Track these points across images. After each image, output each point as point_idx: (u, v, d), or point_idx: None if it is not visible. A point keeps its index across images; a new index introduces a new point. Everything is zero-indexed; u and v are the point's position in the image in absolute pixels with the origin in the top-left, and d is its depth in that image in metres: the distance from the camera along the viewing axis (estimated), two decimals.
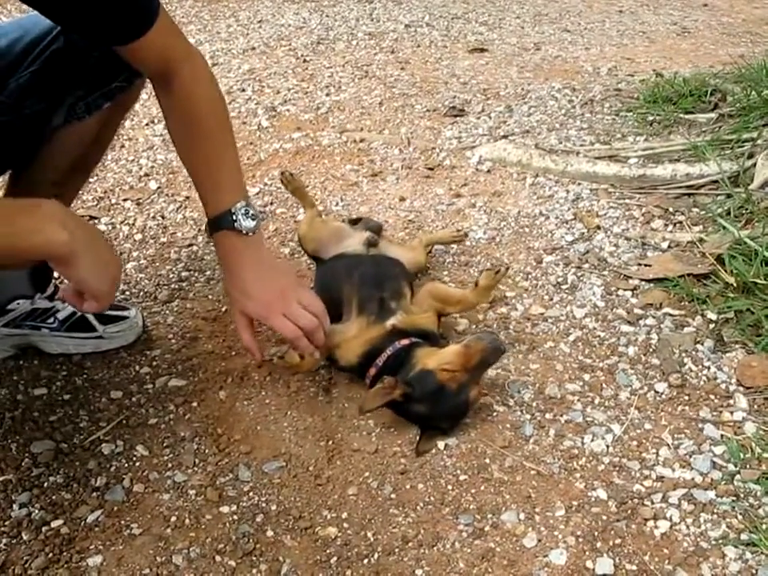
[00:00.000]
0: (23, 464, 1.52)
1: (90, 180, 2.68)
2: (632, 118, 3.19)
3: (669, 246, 2.25)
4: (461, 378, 1.54)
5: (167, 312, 2.01)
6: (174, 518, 1.41)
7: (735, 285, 1.95)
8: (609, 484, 1.48)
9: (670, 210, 2.46)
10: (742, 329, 1.85)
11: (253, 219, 1.53)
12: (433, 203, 2.59)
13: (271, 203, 2.59)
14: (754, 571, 1.30)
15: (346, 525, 1.41)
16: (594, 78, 3.81)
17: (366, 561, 1.34)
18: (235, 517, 1.42)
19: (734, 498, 1.43)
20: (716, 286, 2.01)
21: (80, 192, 1.97)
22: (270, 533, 1.39)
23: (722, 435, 1.58)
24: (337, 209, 2.55)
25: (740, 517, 1.40)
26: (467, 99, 3.54)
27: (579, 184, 2.66)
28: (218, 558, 1.34)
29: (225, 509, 1.44)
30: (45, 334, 1.82)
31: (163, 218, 2.49)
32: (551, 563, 1.32)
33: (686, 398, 1.69)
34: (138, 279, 2.15)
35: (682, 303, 2.00)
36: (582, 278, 2.13)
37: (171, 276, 2.16)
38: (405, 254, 1.98)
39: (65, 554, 1.34)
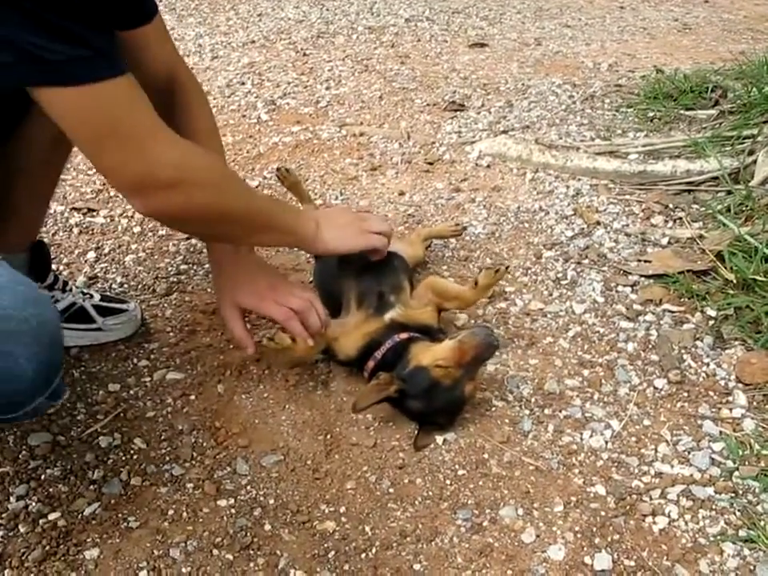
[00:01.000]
0: (20, 456, 1.52)
1: (90, 173, 2.69)
2: (632, 114, 3.18)
3: (669, 243, 2.24)
4: (455, 374, 1.53)
5: (165, 305, 2.01)
6: (171, 512, 1.41)
7: (735, 281, 1.95)
8: (607, 480, 1.48)
9: (670, 206, 2.46)
10: (742, 326, 1.85)
11: None
12: (432, 198, 2.58)
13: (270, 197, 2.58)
14: (751, 567, 1.30)
15: (344, 519, 1.40)
16: (594, 74, 3.80)
17: (363, 555, 1.34)
18: (233, 510, 1.42)
19: (733, 495, 1.43)
20: (716, 282, 2.00)
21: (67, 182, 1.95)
22: (267, 526, 1.39)
23: (720, 432, 1.58)
24: (336, 203, 2.55)
25: (738, 513, 1.40)
26: (467, 94, 3.53)
27: (579, 179, 2.66)
28: (215, 552, 1.34)
29: (222, 502, 1.44)
30: None
31: None
32: (549, 558, 1.32)
33: (685, 394, 1.69)
34: (137, 272, 2.15)
35: (682, 300, 1.99)
36: (581, 274, 2.12)
37: (170, 269, 2.16)
38: (403, 248, 1.97)
39: (62, 546, 1.34)
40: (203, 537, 1.36)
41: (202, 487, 1.47)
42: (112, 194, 2.58)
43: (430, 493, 1.46)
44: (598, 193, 2.57)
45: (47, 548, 1.33)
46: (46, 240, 2.24)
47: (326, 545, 1.35)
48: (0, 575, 1.29)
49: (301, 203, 2.21)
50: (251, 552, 1.34)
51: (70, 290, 1.84)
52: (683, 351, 1.81)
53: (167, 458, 1.53)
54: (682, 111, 3.09)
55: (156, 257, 2.22)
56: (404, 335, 1.64)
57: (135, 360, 1.81)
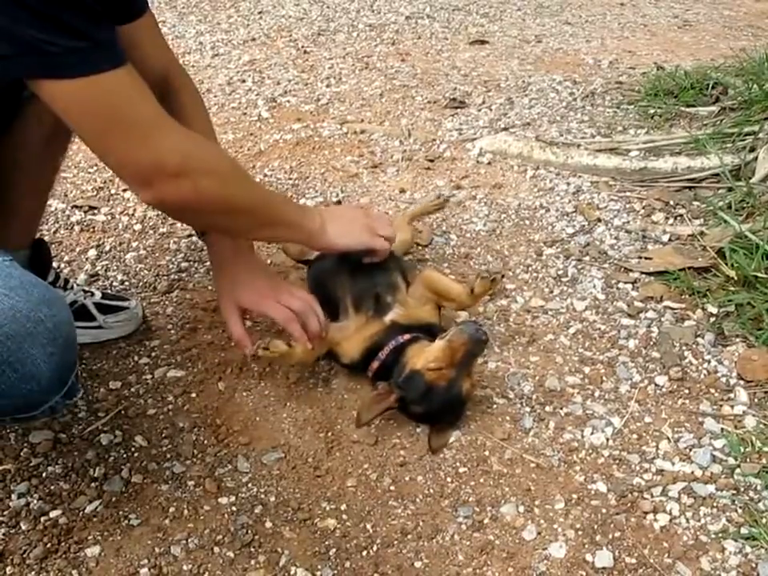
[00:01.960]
0: (22, 454, 1.52)
1: (90, 170, 2.69)
2: (633, 110, 3.18)
3: (669, 239, 2.24)
4: (448, 375, 1.53)
5: (166, 302, 2.01)
6: (172, 509, 1.41)
7: (736, 278, 1.95)
8: (608, 477, 1.48)
9: (671, 203, 2.45)
10: (743, 322, 1.84)
11: None
12: (433, 195, 2.57)
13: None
14: (753, 565, 1.30)
15: (345, 516, 1.41)
16: (595, 71, 3.80)
17: (364, 553, 1.34)
18: (234, 508, 1.42)
19: (734, 492, 1.43)
20: (717, 279, 2.00)
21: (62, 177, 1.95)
22: (268, 524, 1.39)
23: (722, 429, 1.58)
24: (337, 200, 2.54)
25: (740, 510, 1.40)
26: (468, 91, 3.52)
27: (580, 177, 2.65)
28: (216, 549, 1.34)
29: (223, 500, 1.44)
30: None
31: None
32: (550, 556, 1.33)
33: (687, 391, 1.69)
34: (138, 270, 2.15)
35: (683, 296, 1.99)
36: (582, 271, 2.12)
37: (171, 267, 2.16)
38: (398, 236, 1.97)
39: (63, 544, 1.34)
40: (204, 534, 1.37)
41: (203, 485, 1.47)
42: (113, 191, 2.58)
43: (431, 490, 1.46)
44: (598, 190, 2.57)
45: (48, 545, 1.34)
46: (46, 238, 2.26)
47: (326, 542, 1.35)
48: (1, 573, 1.29)
49: None
50: (252, 549, 1.34)
51: (71, 287, 1.84)
52: (684, 348, 1.81)
53: (168, 456, 1.54)
54: (682, 108, 3.08)
55: (157, 254, 2.22)
56: (406, 336, 1.64)
57: (136, 358, 1.81)
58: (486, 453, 1.54)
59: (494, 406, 1.66)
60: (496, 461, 1.52)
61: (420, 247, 2.26)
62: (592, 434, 1.58)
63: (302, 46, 4.26)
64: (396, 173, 2.74)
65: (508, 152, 2.82)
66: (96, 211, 2.46)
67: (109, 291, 1.96)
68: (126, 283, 2.09)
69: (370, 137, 3.03)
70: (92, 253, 2.22)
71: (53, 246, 2.24)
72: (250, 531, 1.37)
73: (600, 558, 1.31)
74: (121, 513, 1.41)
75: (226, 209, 1.40)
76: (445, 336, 1.57)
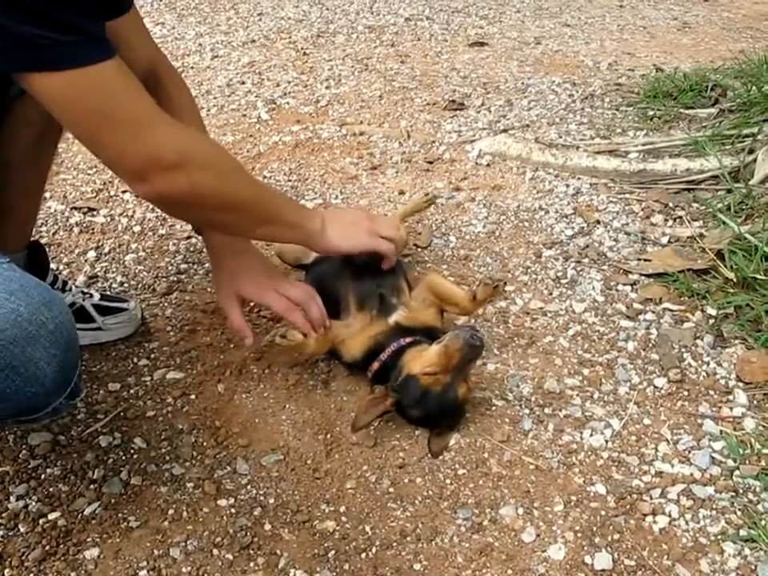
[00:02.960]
0: (20, 456, 1.52)
1: (90, 172, 2.69)
2: (632, 112, 3.18)
3: (669, 241, 2.24)
4: (444, 380, 1.52)
5: (166, 304, 2.01)
6: (171, 511, 1.41)
7: (735, 280, 1.95)
8: (608, 479, 1.48)
9: (670, 205, 2.45)
10: (742, 324, 1.85)
11: None
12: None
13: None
14: (752, 567, 1.30)
15: (344, 518, 1.40)
16: (594, 73, 3.80)
17: (363, 555, 1.34)
18: (233, 510, 1.42)
19: (733, 494, 1.43)
20: (716, 281, 2.00)
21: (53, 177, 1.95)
22: (267, 526, 1.39)
23: (721, 431, 1.58)
24: (336, 202, 2.54)
25: (739, 513, 1.40)
26: (467, 93, 3.52)
27: (579, 178, 2.66)
28: (215, 552, 1.34)
29: (222, 502, 1.44)
30: None
31: None
32: (549, 558, 1.32)
33: (686, 393, 1.69)
34: (137, 271, 2.14)
35: (682, 298, 1.99)
36: (581, 273, 2.12)
37: (170, 268, 2.16)
38: None
39: (62, 546, 1.34)
40: (203, 536, 1.36)
41: (202, 487, 1.47)
42: (112, 193, 2.58)
43: (430, 492, 1.46)
44: (597, 191, 2.57)
45: (47, 548, 1.33)
46: (45, 239, 2.27)
47: (326, 544, 1.35)
48: (0, 575, 1.29)
49: None
50: (251, 552, 1.34)
51: (70, 289, 1.84)
52: (683, 350, 1.81)
53: (167, 458, 1.53)
54: (681, 110, 3.09)
55: (156, 256, 2.22)
56: (408, 339, 1.64)
57: (135, 359, 1.81)
58: (485, 455, 1.54)
59: (493, 407, 1.66)
60: (495, 463, 1.52)
61: (419, 249, 2.26)
62: (591, 435, 1.58)
63: (302, 48, 4.26)
64: (395, 174, 2.75)
65: (507, 154, 2.82)
66: (95, 213, 2.46)
67: (108, 293, 1.96)
68: (125, 285, 2.09)
69: (370, 138, 3.04)
70: (91, 254, 2.21)
71: (52, 247, 2.25)
72: (249, 533, 1.37)
73: (599, 560, 1.31)
74: (120, 515, 1.40)
75: (223, 204, 1.39)
76: (441, 341, 1.57)
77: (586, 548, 1.34)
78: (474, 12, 5.16)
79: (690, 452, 1.53)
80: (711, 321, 1.90)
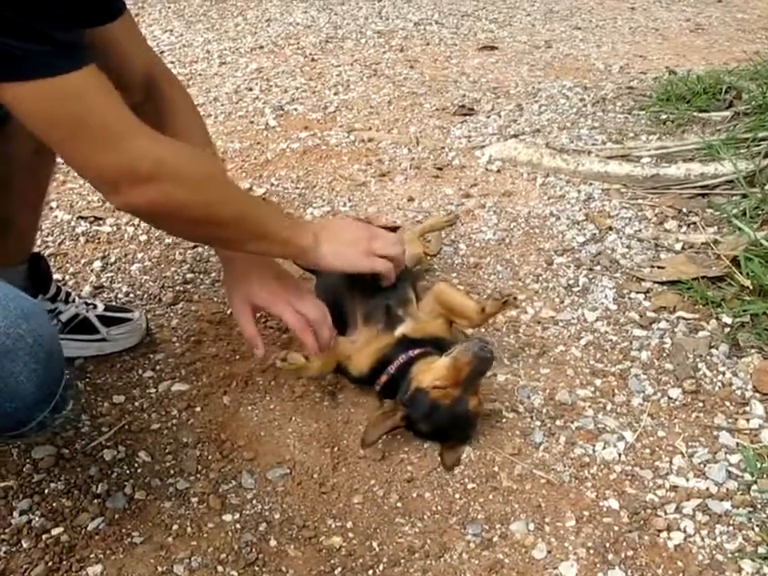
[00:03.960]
0: (24, 470, 1.49)
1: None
2: (644, 116, 3.14)
3: (682, 248, 2.20)
4: (453, 393, 1.49)
5: (171, 314, 1.99)
6: (175, 527, 1.39)
7: (751, 287, 1.91)
8: (621, 493, 1.44)
9: (684, 210, 2.42)
10: (758, 333, 1.81)
11: None
12: (442, 203, 2.55)
13: (278, 203, 2.55)
14: None
15: (350, 534, 1.37)
16: (605, 76, 3.77)
17: (370, 572, 1.31)
18: (238, 525, 1.39)
19: (751, 509, 1.39)
20: (731, 288, 1.96)
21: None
22: (273, 542, 1.36)
23: (737, 443, 1.54)
24: (344, 209, 2.52)
25: (757, 529, 1.36)
26: (477, 98, 3.50)
27: (591, 184, 2.62)
28: (219, 568, 1.31)
29: (227, 517, 1.41)
30: None
31: None
32: (561, 575, 1.29)
33: (701, 404, 1.65)
34: (143, 281, 2.13)
35: (696, 306, 1.95)
36: (593, 281, 2.09)
37: (176, 278, 2.14)
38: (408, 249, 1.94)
39: (65, 562, 1.32)
40: (208, 553, 1.34)
41: (206, 501, 1.44)
42: None
43: (439, 507, 1.42)
44: (609, 197, 2.53)
45: (50, 564, 1.31)
46: (51, 249, 2.26)
47: (332, 561, 1.32)
48: None
49: None
50: (256, 568, 1.31)
51: (73, 300, 1.82)
52: (698, 360, 1.77)
53: (172, 472, 1.51)
54: (695, 113, 3.04)
55: (162, 266, 2.20)
56: (417, 350, 1.60)
57: (140, 371, 1.79)
58: (496, 468, 1.50)
59: (504, 420, 1.62)
60: (505, 477, 1.48)
61: (428, 257, 2.23)
62: (604, 448, 1.54)
63: (310, 54, 4.25)
64: (404, 181, 2.72)
65: (517, 159, 2.79)
66: (101, 222, 2.44)
67: (112, 303, 1.94)
68: (131, 295, 2.07)
69: (378, 145, 3.01)
70: (97, 264, 2.20)
71: (58, 257, 2.23)
72: (254, 549, 1.34)
73: None
74: (123, 530, 1.38)
75: (203, 220, 1.33)
76: (450, 353, 1.54)
77: (598, 565, 1.30)
78: (483, 16, 5.14)
79: (705, 465, 1.49)
80: (726, 329, 1.86)
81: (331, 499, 1.45)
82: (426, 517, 1.41)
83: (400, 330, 1.66)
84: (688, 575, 1.28)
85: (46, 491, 1.45)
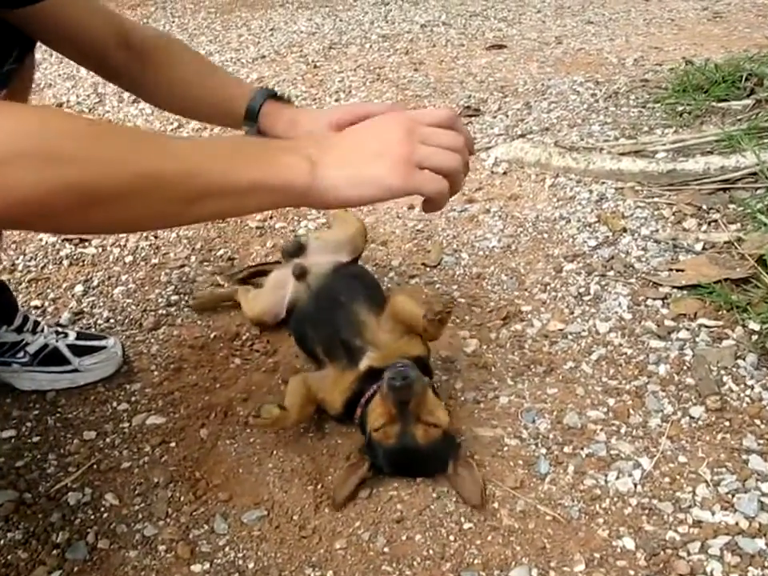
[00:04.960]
0: None
1: None
2: (660, 109, 2.96)
3: (703, 248, 2.02)
4: (393, 431, 1.34)
5: (152, 340, 1.85)
6: None
7: None
8: (637, 531, 1.27)
9: (704, 207, 2.23)
10: None
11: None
12: (444, 210, 2.39)
13: (270, 217, 2.42)
14: None
15: None
16: (618, 70, 3.59)
17: None
18: None
19: None
20: (758, 291, 1.78)
21: None
22: None
23: None
24: None
25: None
26: (483, 98, 3.34)
27: (603, 183, 2.45)
28: None
29: (196, 567, 1.27)
30: (16, 369, 1.68)
31: (156, 237, 2.34)
32: None
33: (727, 423, 1.47)
34: (125, 305, 2.00)
35: (720, 312, 1.78)
36: (606, 288, 1.92)
37: (159, 301, 2.00)
38: (341, 236, 1.79)
39: None
40: None
41: (175, 550, 1.30)
42: None
43: (431, 551, 1.27)
44: (623, 196, 2.36)
45: None
46: (33, 274, 2.15)
47: None
48: None
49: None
50: None
51: (42, 330, 1.69)
52: (723, 373, 1.60)
53: (140, 516, 1.37)
54: (714, 103, 2.86)
55: (146, 288, 2.07)
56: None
57: (115, 404, 1.66)
58: (496, 504, 1.34)
59: (505, 448, 1.46)
60: (506, 514, 1.32)
61: (428, 268, 2.08)
62: (617, 478, 1.37)
63: (312, 61, 4.12)
64: None
65: (525, 160, 2.63)
66: (87, 243, 2.32)
67: (86, 330, 1.82)
68: (111, 320, 1.94)
69: None
70: (79, 288, 2.07)
71: (39, 282, 2.13)
72: None
73: None
74: None
75: (99, 198, 0.88)
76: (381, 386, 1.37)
77: None
78: (492, 15, 4.98)
79: (733, 496, 1.31)
80: (754, 337, 1.68)
81: (311, 544, 1.30)
82: (415, 563, 1.25)
83: (364, 363, 1.49)
84: None
85: (2, 542, 1.33)
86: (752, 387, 1.55)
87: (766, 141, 2.41)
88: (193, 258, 2.21)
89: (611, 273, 1.98)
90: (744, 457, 1.39)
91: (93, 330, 1.89)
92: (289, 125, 1.35)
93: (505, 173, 2.61)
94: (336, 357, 1.53)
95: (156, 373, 1.74)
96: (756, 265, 1.85)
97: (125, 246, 2.30)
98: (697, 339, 1.70)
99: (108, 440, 1.55)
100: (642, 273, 1.96)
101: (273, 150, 1.02)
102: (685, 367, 1.63)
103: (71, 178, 0.85)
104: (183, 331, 1.88)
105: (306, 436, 1.53)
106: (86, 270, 2.18)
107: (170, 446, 1.53)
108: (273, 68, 4.03)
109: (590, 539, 1.27)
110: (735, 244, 2.00)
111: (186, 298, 2.01)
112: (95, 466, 1.49)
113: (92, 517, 1.38)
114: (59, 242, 2.34)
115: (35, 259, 2.24)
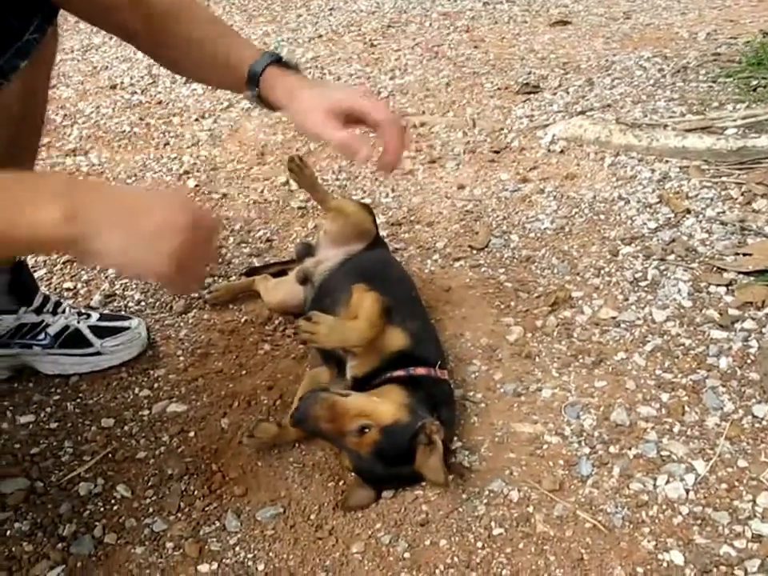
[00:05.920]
0: None
1: (129, 180, 2.52)
2: (731, 84, 2.76)
3: None
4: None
5: (181, 324, 1.79)
6: None
7: None
8: (687, 543, 1.14)
9: None
10: None
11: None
12: (495, 190, 2.27)
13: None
14: None
15: None
16: (689, 44, 3.37)
17: None
18: None
19: None
20: None
21: None
22: None
23: None
24: (386, 201, 2.27)
25: None
26: (543, 75, 3.18)
27: (667, 161, 2.28)
28: None
29: (203, 567, 1.19)
30: (37, 352, 1.62)
31: None
32: None
33: None
34: (156, 288, 1.93)
35: None
36: (665, 273, 1.77)
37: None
38: (344, 227, 1.71)
39: None
40: None
41: (182, 548, 1.23)
42: None
43: (456, 559, 1.16)
44: (688, 176, 2.19)
45: None
46: (65, 256, 2.09)
47: None
48: None
49: (317, 203, 1.96)
50: None
51: (63, 311, 1.64)
52: None
53: (150, 510, 1.30)
54: None
55: None
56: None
57: (137, 389, 1.59)
58: (530, 508, 1.22)
59: (545, 446, 1.34)
60: (541, 519, 1.20)
61: (474, 251, 1.96)
62: (667, 483, 1.24)
63: (370, 40, 4.01)
64: (456, 167, 2.45)
65: (584, 138, 2.47)
66: None
67: (106, 312, 1.75)
68: (142, 303, 1.88)
69: (431, 129, 2.75)
70: (111, 271, 2.02)
71: (73, 264, 2.07)
72: None
73: None
74: None
75: None
76: None
77: None
78: None
79: None
80: None
81: (327, 547, 1.20)
82: (438, 571, 1.14)
83: (349, 374, 1.41)
84: None
85: (9, 533, 1.27)
86: None
87: None
88: (231, 240, 2.14)
89: (671, 257, 1.82)
90: None
91: (123, 312, 1.83)
92: (287, 95, 1.32)
93: (562, 151, 2.46)
94: (330, 366, 1.47)
95: (182, 358, 1.67)
96: None
97: None
98: (763, 330, 1.55)
99: (126, 428, 1.49)
100: (706, 257, 1.80)
101: (25, 200, 0.91)
102: (749, 361, 1.48)
103: None
104: (213, 315, 1.81)
105: None
106: None
107: (189, 435, 1.46)
108: (329, 47, 3.93)
109: (634, 551, 1.14)
110: None
111: (220, 280, 1.93)
112: (110, 455, 1.43)
113: (101, 509, 1.31)
114: None
115: None
